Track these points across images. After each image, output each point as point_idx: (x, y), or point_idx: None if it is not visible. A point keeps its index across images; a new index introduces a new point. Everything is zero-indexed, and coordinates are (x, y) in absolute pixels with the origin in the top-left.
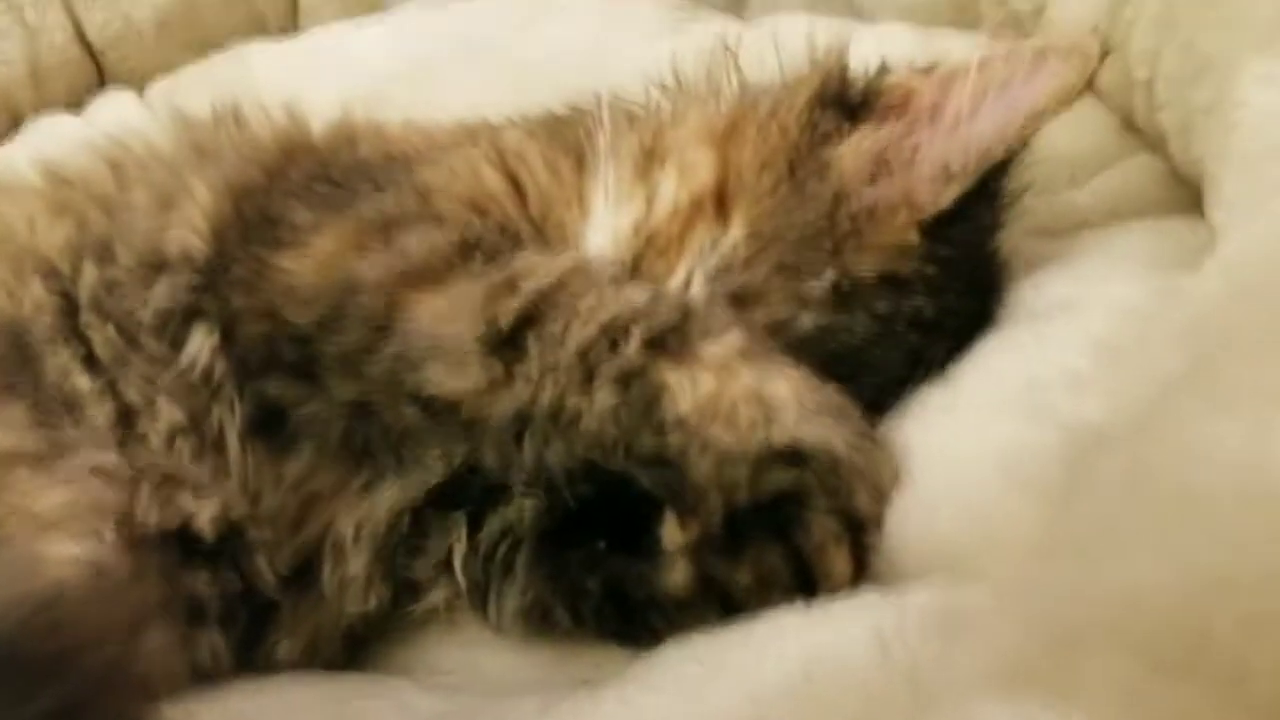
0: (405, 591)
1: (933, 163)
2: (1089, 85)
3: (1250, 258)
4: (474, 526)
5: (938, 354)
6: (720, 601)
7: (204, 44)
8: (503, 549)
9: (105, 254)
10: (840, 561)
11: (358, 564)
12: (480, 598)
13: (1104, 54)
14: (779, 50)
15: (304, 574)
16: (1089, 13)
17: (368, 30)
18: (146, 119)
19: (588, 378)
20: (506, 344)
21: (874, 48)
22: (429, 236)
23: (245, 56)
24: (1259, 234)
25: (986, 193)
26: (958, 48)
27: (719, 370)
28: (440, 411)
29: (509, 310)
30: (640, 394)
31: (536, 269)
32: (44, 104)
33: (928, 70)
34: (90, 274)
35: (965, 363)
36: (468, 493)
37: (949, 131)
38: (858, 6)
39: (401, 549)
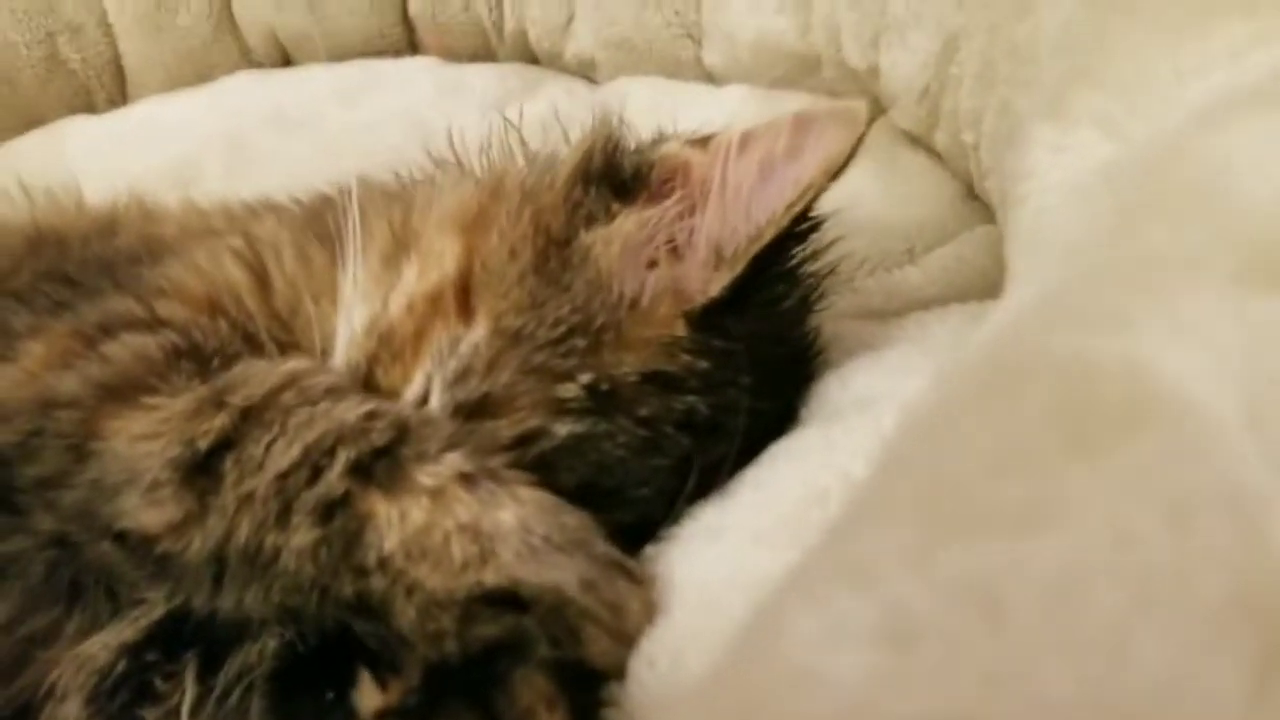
0: None
1: (703, 247)
2: (855, 154)
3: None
4: (210, 668)
5: (719, 460)
6: None
7: (25, 119)
8: (237, 692)
9: None
10: None
11: (76, 713)
12: None
13: (872, 118)
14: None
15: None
16: (917, 71)
17: (186, 101)
18: None
19: (286, 510)
20: (202, 470)
21: (716, 111)
22: (140, 343)
23: (62, 131)
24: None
25: (772, 276)
26: (796, 107)
27: (433, 499)
28: (137, 548)
29: (210, 430)
30: (342, 528)
31: (250, 380)
32: None
33: (704, 141)
34: None
35: (749, 471)
36: (202, 631)
37: (717, 212)
38: (709, 71)
39: (128, 692)
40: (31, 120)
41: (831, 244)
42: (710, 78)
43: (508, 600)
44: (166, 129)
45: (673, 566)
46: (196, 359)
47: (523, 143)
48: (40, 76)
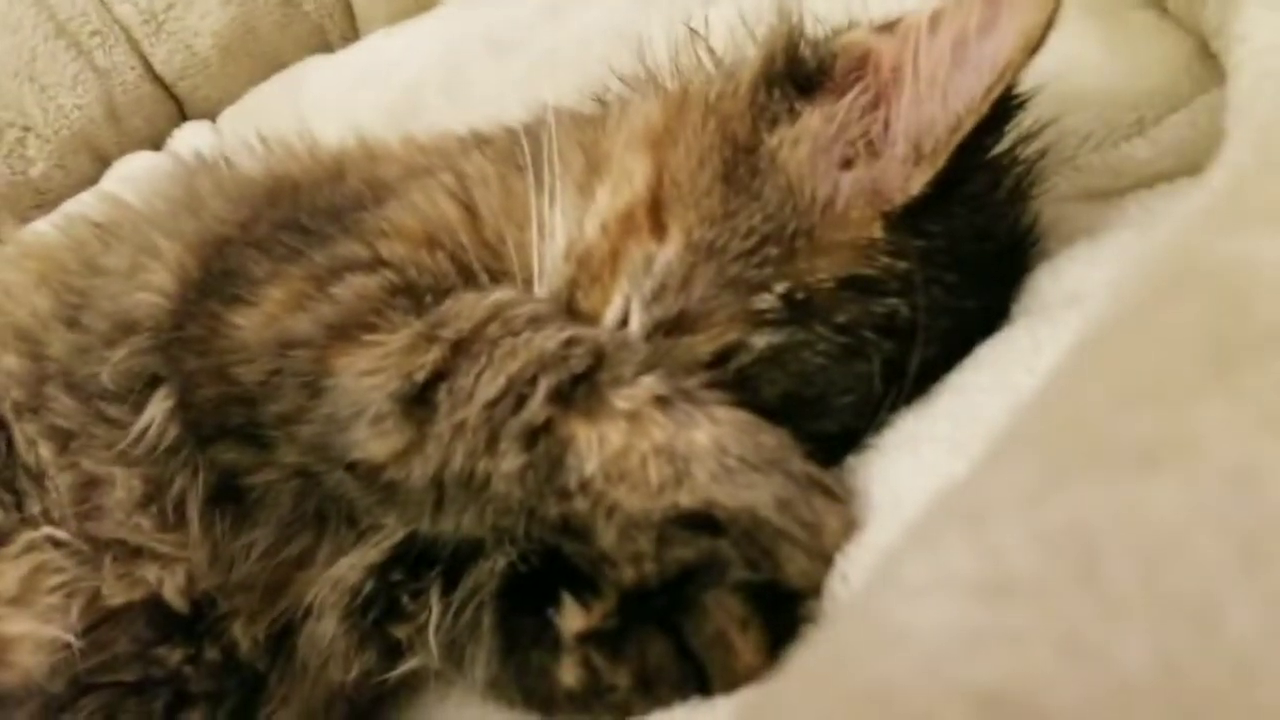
0: (388, 654)
1: (900, 141)
2: (1054, 23)
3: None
4: (450, 585)
5: (924, 363)
6: (606, 701)
7: (269, 65)
8: (470, 610)
9: (76, 321)
10: (746, 651)
11: (333, 630)
12: (457, 661)
13: (1056, 5)
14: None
15: (284, 643)
16: None
17: (402, 37)
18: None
19: (494, 437)
20: (420, 401)
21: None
22: (362, 283)
23: (300, 75)
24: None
25: (976, 167)
26: None
27: (630, 421)
28: (368, 476)
29: (425, 364)
30: (545, 453)
31: (460, 314)
32: (127, 143)
33: (888, 26)
34: (60, 342)
35: (953, 374)
36: (441, 550)
37: (912, 103)
38: None
39: (378, 611)
40: (274, 65)
41: (1049, 123)
42: None
43: (703, 522)
44: (390, 63)
45: (871, 480)
46: (413, 295)
47: (710, 51)
48: (279, 23)
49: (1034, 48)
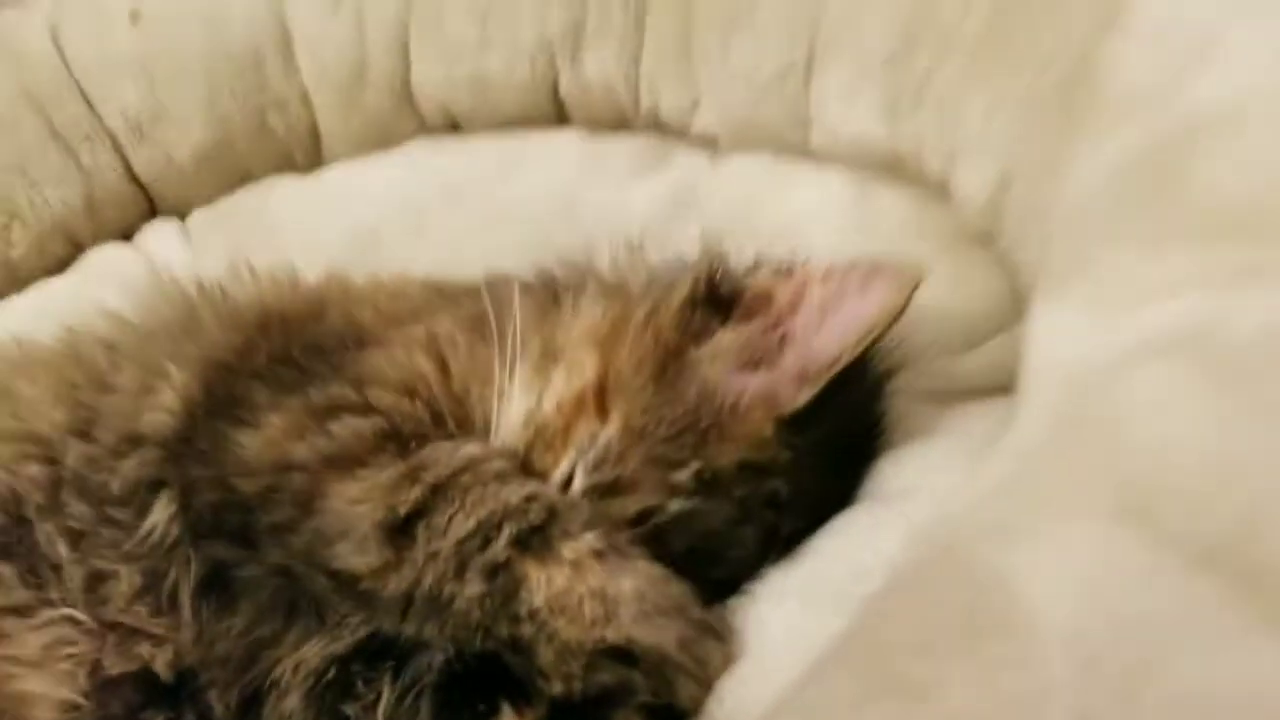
0: None
1: (790, 363)
2: (908, 305)
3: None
4: (396, 674)
5: (793, 530)
6: None
7: (239, 176)
8: (411, 696)
9: (88, 434)
10: None
11: (295, 704)
12: None
13: (918, 282)
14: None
15: (251, 709)
16: (980, 189)
17: (367, 172)
18: (183, 249)
19: (461, 568)
20: (401, 531)
21: (817, 192)
22: (356, 425)
23: (267, 190)
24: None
25: (844, 384)
26: (890, 207)
27: (573, 568)
28: (345, 584)
29: (407, 500)
30: (503, 586)
31: (439, 461)
32: (101, 233)
33: (787, 272)
34: (74, 452)
35: (814, 539)
36: (393, 648)
37: (803, 336)
38: (814, 153)
39: (335, 692)
40: (244, 177)
41: (902, 338)
42: (814, 158)
43: (622, 655)
44: (355, 195)
45: (746, 620)
46: (397, 440)
47: (645, 259)
48: (251, 142)
49: (895, 317)
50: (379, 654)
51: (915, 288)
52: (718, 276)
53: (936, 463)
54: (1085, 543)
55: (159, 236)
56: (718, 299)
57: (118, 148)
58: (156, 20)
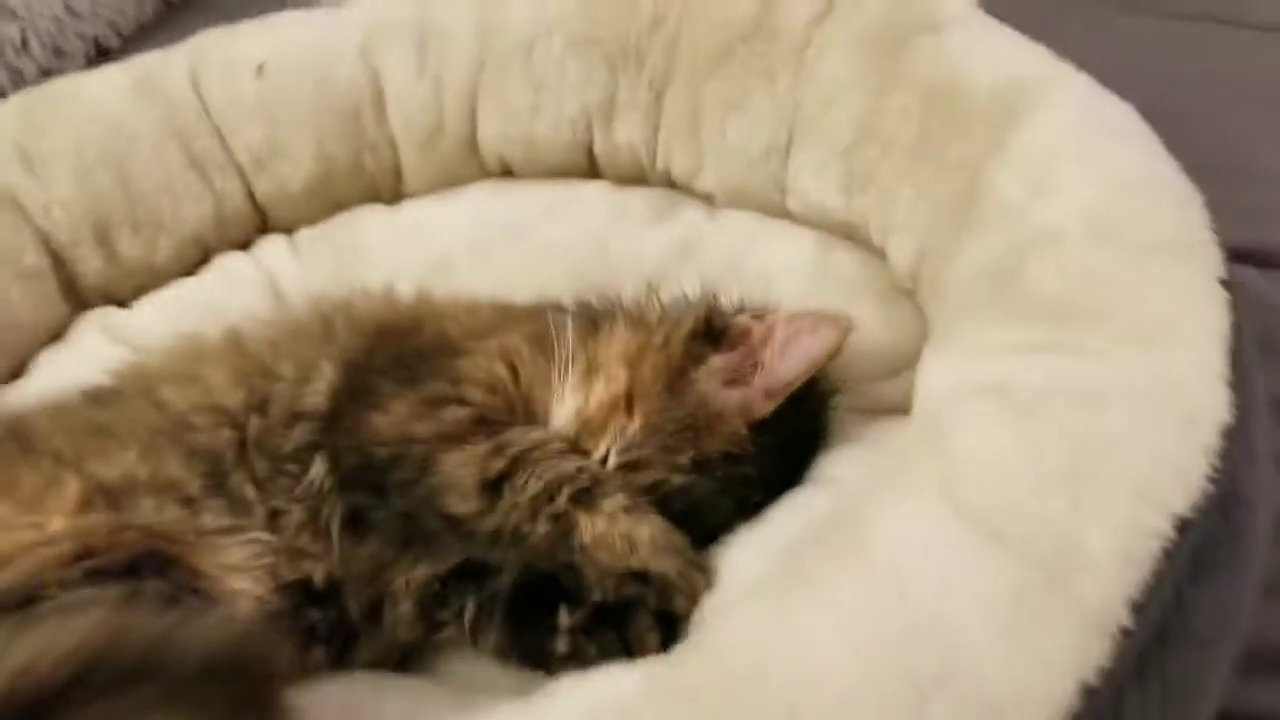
0: (435, 627)
1: (759, 385)
2: (842, 346)
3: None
4: (479, 590)
5: (757, 501)
6: (581, 660)
7: (335, 204)
8: (489, 607)
9: (264, 410)
10: (650, 643)
11: (406, 608)
12: (475, 635)
13: (850, 329)
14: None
15: (375, 613)
16: (905, 258)
17: (441, 209)
18: (291, 260)
19: (532, 514)
20: (492, 488)
21: (792, 246)
22: (456, 413)
23: (359, 217)
24: None
25: (798, 400)
26: (844, 263)
27: (609, 518)
28: (451, 523)
29: (496, 468)
30: (562, 528)
31: (516, 440)
32: (224, 243)
33: (760, 315)
34: (254, 424)
35: (770, 509)
36: (478, 570)
37: (769, 363)
38: (791, 214)
39: (435, 602)
40: (340, 205)
41: (842, 365)
42: (792, 218)
43: (640, 577)
44: (431, 228)
45: (721, 560)
46: (485, 424)
47: (659, 299)
48: (348, 178)
49: (833, 353)
50: (468, 576)
51: (848, 332)
52: (712, 316)
53: (855, 459)
54: (915, 507)
55: (271, 249)
56: (711, 333)
57: (243, 176)
58: (277, 75)
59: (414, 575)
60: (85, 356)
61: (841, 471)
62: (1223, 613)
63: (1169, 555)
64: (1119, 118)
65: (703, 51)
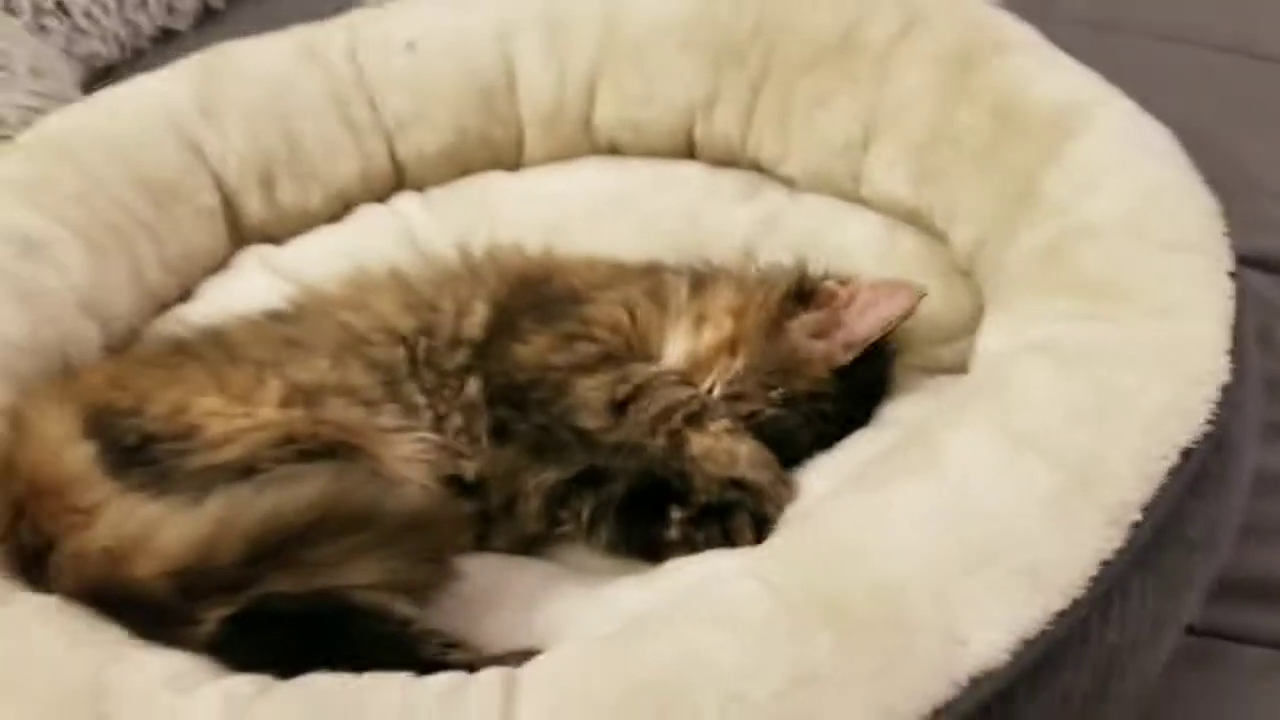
0: (556, 523)
1: (841, 338)
2: (915, 309)
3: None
4: (594, 494)
5: (833, 435)
6: (690, 547)
7: (463, 169)
8: (603, 509)
9: (429, 336)
10: (746, 536)
11: (535, 505)
12: (589, 531)
13: (923, 295)
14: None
15: (510, 507)
16: (965, 244)
17: (560, 178)
18: (424, 214)
19: (653, 431)
20: (618, 409)
21: (862, 229)
22: (587, 349)
23: (486, 182)
24: None
25: (872, 354)
26: (908, 244)
27: (715, 437)
28: (581, 436)
29: (622, 392)
30: (676, 442)
31: (638, 372)
32: (366, 197)
33: (845, 282)
34: (421, 345)
35: (844, 443)
36: (597, 477)
37: (850, 321)
38: (864, 199)
39: (558, 502)
40: (466, 169)
41: (910, 328)
42: (863, 203)
43: (739, 484)
44: (551, 195)
45: (803, 477)
46: (611, 359)
47: (755, 264)
48: (477, 146)
49: (908, 315)
50: (587, 482)
51: (921, 299)
52: (803, 280)
53: (919, 406)
54: (977, 431)
55: (406, 204)
56: (802, 293)
57: (388, 138)
58: (425, 52)
59: (543, 479)
60: (247, 285)
61: (903, 415)
62: (1208, 528)
63: (1171, 474)
64: (1155, 137)
65: (796, 58)
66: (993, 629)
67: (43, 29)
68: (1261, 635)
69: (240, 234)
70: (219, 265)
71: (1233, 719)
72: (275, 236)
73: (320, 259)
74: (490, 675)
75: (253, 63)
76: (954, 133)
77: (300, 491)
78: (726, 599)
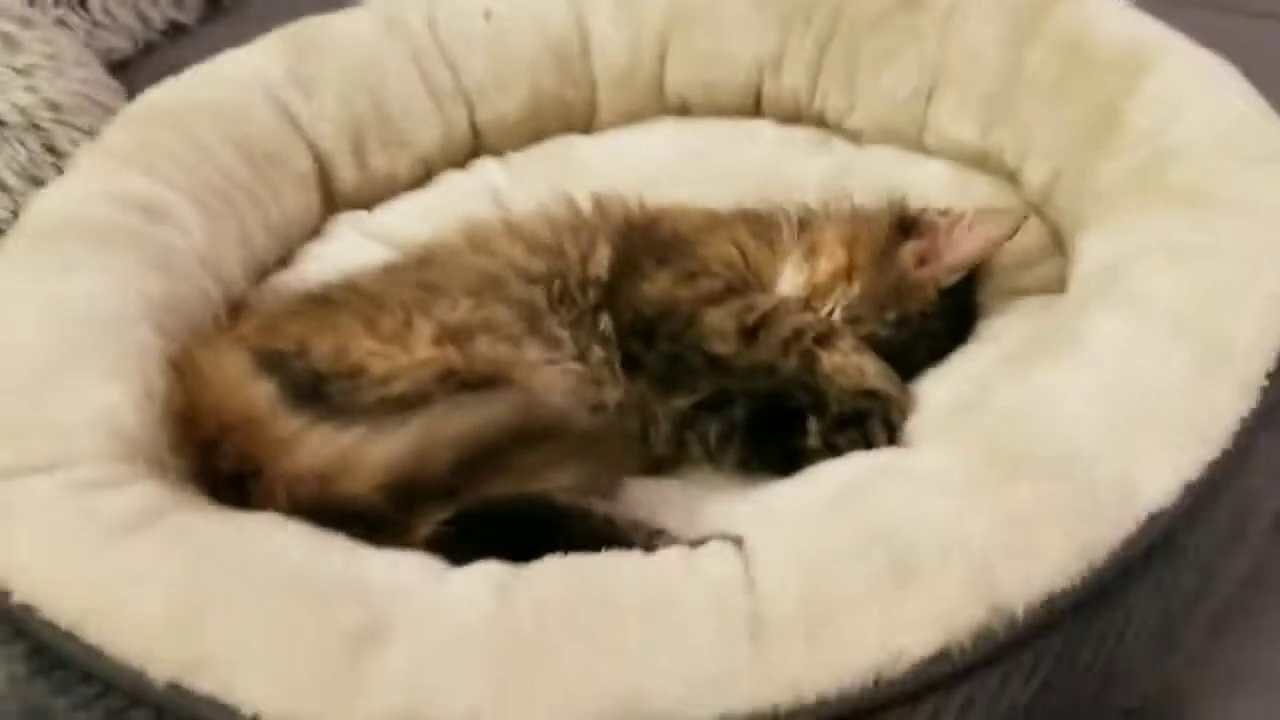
0: (684, 446)
1: (944, 263)
2: (1014, 233)
3: None
4: (719, 419)
5: (942, 350)
6: (831, 452)
7: (538, 134)
8: (728, 431)
9: (560, 278)
10: (883, 440)
11: (665, 430)
12: (717, 454)
13: (1025, 216)
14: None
15: (644, 433)
16: (1039, 180)
17: (642, 137)
18: (505, 179)
19: (785, 352)
20: (749, 334)
21: (926, 175)
22: (710, 283)
23: (566, 144)
24: None
25: (972, 278)
26: (978, 186)
27: (843, 354)
28: (714, 361)
29: (752, 319)
30: (808, 361)
31: (764, 301)
32: (446, 163)
33: (945, 213)
34: (555, 286)
35: (951, 357)
36: (718, 403)
37: (951, 249)
38: (927, 149)
39: (685, 427)
40: (540, 134)
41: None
42: (927, 152)
43: (870, 394)
44: (633, 152)
45: (920, 388)
46: (733, 290)
47: (850, 197)
48: (554, 111)
49: (1005, 240)
50: (711, 408)
51: (1022, 221)
52: (904, 212)
53: (1004, 324)
54: (1117, 316)
55: (487, 169)
56: (905, 225)
57: (469, 104)
58: (501, 19)
59: (671, 406)
60: (343, 249)
61: (995, 332)
62: None
63: None
64: (1224, 71)
65: (862, 16)
66: (1162, 475)
67: (63, 24)
68: None
69: (333, 200)
70: (314, 231)
71: None
72: (365, 203)
73: (409, 222)
74: (717, 545)
75: (339, 35)
76: (1024, 74)
77: (495, 409)
78: (920, 467)
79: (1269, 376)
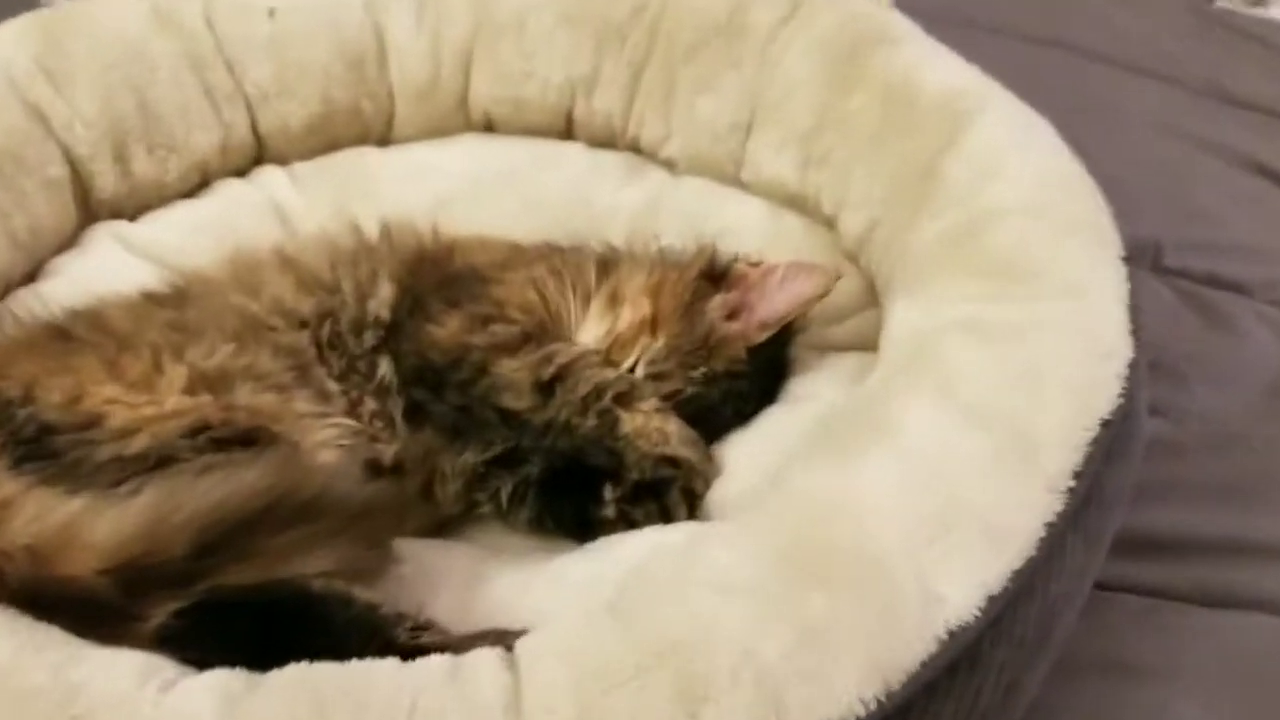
0: (474, 504)
1: (755, 319)
2: (829, 291)
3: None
4: (512, 475)
5: (749, 412)
6: (626, 524)
7: (329, 143)
8: (522, 488)
9: (332, 319)
10: (681, 513)
11: (454, 488)
12: (509, 512)
13: (839, 275)
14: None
15: (427, 490)
16: (855, 229)
17: (439, 153)
18: (290, 190)
19: (583, 410)
20: (546, 388)
21: (741, 212)
22: (505, 329)
23: (357, 157)
24: None
25: (783, 332)
26: (793, 228)
27: (645, 415)
28: (506, 416)
29: (548, 373)
30: (608, 421)
31: (561, 352)
32: (225, 170)
33: (757, 264)
34: (326, 329)
35: (759, 418)
36: (511, 459)
37: (762, 304)
38: (744, 184)
39: (475, 483)
40: (333, 144)
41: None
42: (744, 188)
43: (671, 461)
44: (431, 170)
45: (724, 454)
46: (529, 340)
47: (658, 240)
48: (345, 120)
49: (819, 298)
50: (503, 463)
51: (836, 279)
52: (714, 261)
53: (816, 383)
54: (924, 403)
55: (270, 178)
56: (715, 274)
57: (250, 108)
58: (287, 18)
59: (462, 461)
60: (101, 263)
61: (809, 390)
62: (1118, 490)
63: (1094, 443)
64: (1040, 127)
65: (680, 39)
66: (965, 585)
67: None
68: (1137, 585)
69: (90, 209)
70: (68, 242)
71: (1115, 655)
72: (128, 211)
73: (180, 236)
74: (485, 654)
75: (102, 25)
76: (843, 118)
77: (247, 478)
78: (715, 563)
79: (1075, 476)
